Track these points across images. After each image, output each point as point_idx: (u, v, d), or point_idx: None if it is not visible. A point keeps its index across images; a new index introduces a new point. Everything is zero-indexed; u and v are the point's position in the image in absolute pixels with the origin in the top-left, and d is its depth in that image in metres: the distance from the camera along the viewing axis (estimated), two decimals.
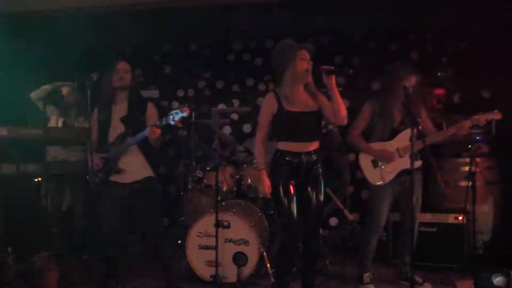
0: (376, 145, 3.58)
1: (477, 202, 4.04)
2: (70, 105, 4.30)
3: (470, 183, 3.98)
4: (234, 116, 5.64)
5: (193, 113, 4.65)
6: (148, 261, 4.39)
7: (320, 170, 3.16)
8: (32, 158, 3.85)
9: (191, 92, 5.73)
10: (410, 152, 3.15)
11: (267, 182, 3.10)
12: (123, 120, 3.40)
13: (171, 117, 3.13)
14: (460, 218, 3.97)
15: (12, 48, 4.74)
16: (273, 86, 5.32)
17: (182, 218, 4.66)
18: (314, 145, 3.13)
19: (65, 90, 4.30)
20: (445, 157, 4.55)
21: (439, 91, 4.98)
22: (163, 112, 3.29)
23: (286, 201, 3.07)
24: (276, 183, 3.10)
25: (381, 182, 3.54)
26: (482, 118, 3.44)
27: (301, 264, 3.25)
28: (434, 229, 3.97)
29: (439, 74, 5.13)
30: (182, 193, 4.76)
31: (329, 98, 3.07)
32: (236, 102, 5.66)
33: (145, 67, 5.75)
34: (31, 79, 5.03)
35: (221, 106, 5.65)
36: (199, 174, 4.29)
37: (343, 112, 3.05)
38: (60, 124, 4.28)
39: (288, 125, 3.09)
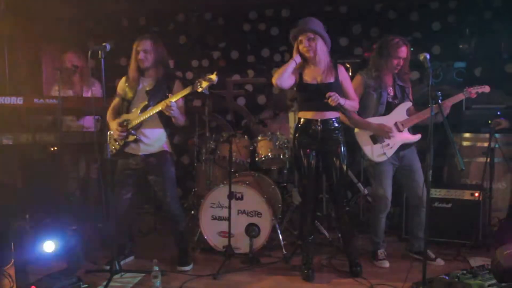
0: (374, 120, 3.48)
1: (494, 179, 3.99)
2: (72, 73, 4.21)
3: (488, 159, 3.91)
4: (249, 87, 5.59)
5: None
6: (162, 231, 4.47)
7: (341, 137, 3.33)
8: (48, 127, 3.89)
9: (205, 63, 5.67)
10: (408, 126, 3.13)
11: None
12: (148, 93, 3.39)
13: (198, 84, 3.16)
14: (476, 194, 3.89)
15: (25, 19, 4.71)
16: (289, 56, 5.22)
17: (195, 189, 4.71)
18: (332, 114, 3.30)
19: (67, 56, 4.21)
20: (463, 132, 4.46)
21: (460, 64, 4.84)
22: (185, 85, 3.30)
23: (303, 167, 3.33)
24: (297, 149, 3.36)
25: (384, 158, 3.46)
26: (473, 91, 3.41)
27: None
28: (449, 205, 3.92)
29: (460, 46, 4.96)
30: (195, 164, 4.79)
31: (347, 69, 3.27)
32: (251, 73, 5.59)
33: (160, 36, 5.67)
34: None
35: (236, 77, 5.59)
36: (213, 145, 4.29)
37: None
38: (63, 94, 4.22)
39: (303, 96, 3.33)
